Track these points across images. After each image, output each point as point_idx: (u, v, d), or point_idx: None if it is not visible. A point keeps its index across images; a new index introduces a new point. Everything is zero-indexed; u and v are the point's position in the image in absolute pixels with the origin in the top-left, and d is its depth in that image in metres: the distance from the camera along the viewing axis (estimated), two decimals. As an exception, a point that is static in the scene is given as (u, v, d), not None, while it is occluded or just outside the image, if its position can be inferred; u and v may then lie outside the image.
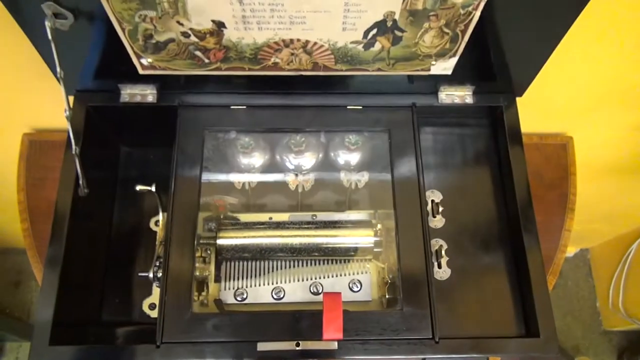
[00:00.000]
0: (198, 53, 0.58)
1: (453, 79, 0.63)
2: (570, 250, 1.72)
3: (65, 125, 0.58)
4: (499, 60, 0.60)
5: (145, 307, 0.66)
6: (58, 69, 0.54)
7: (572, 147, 0.89)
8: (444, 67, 0.61)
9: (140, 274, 0.65)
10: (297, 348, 0.54)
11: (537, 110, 0.85)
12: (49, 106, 0.82)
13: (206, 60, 0.59)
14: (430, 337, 0.55)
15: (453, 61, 0.60)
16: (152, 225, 0.71)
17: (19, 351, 1.62)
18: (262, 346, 0.54)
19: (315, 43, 0.57)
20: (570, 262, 1.72)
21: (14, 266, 1.70)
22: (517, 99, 0.68)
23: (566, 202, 0.85)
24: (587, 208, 1.23)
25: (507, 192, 0.66)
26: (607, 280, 1.58)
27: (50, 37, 0.52)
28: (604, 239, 1.61)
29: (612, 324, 1.61)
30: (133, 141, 0.74)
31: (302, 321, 0.56)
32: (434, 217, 0.65)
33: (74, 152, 0.58)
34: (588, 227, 1.50)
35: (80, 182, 0.60)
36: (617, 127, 0.93)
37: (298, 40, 0.56)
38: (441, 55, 0.59)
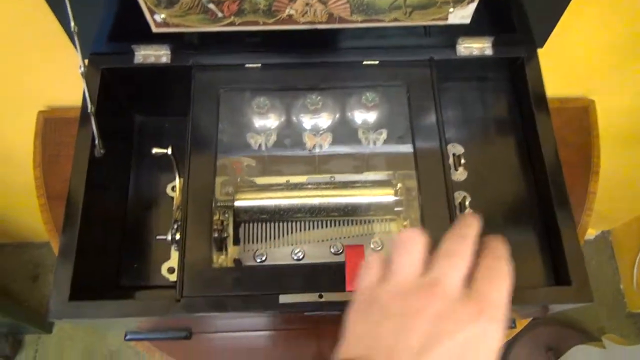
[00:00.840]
0: (211, 6, 0.57)
1: (471, 30, 0.62)
2: (592, 233, 1.69)
3: (79, 102, 0.58)
4: (519, 6, 0.58)
5: (164, 271, 0.65)
6: (72, 24, 0.53)
7: (594, 110, 0.87)
8: (462, 14, 0.59)
9: (158, 237, 0.64)
10: (321, 300, 0.53)
11: (556, 72, 0.83)
12: (64, 83, 0.82)
13: (220, 14, 0.58)
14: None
15: (472, 7, 0.58)
16: (168, 191, 0.70)
17: (38, 343, 1.62)
18: (284, 298, 0.52)
19: (330, -9, 0.56)
20: (592, 244, 1.69)
21: (32, 260, 1.71)
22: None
23: (590, 165, 0.83)
24: (608, 183, 1.20)
25: (531, 145, 0.64)
26: (630, 261, 1.54)
27: (63, -12, 0.51)
28: (626, 219, 1.58)
29: (636, 306, 1.57)
30: (148, 109, 0.74)
31: (324, 274, 0.54)
32: (456, 170, 0.63)
33: (89, 110, 0.57)
34: (609, 207, 1.47)
35: (96, 142, 0.59)
36: (640, 91, 0.91)
37: (313, -12, 0.55)
38: (459, 0, 0.57)
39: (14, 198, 1.25)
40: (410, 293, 0.37)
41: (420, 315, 0.35)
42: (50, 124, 0.88)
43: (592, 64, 0.83)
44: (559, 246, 0.55)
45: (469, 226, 0.40)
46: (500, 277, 0.38)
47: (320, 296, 0.53)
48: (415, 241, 0.39)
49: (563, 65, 0.82)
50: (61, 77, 0.80)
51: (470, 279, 0.38)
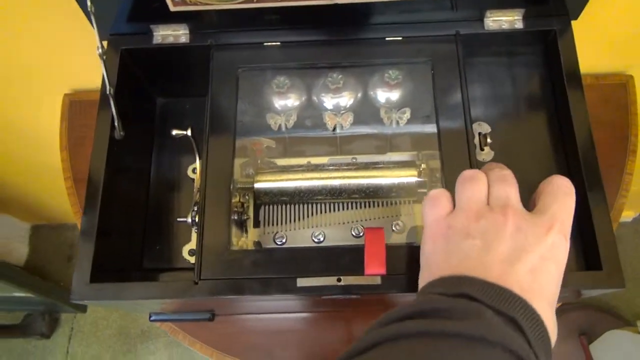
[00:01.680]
0: (228, -17, 0.56)
1: (500, 2, 0.59)
2: (629, 215, 1.63)
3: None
4: (551, -27, 0.55)
5: (185, 254, 0.66)
6: (89, 3, 0.53)
7: (633, 86, 0.82)
8: (490, -15, 0.56)
9: (179, 219, 0.64)
10: (339, 283, 0.52)
11: (592, 46, 0.79)
12: (89, 66, 0.82)
13: (237, -9, 0.57)
14: (481, 272, 0.51)
15: (500, -23, 0.55)
16: (189, 172, 0.70)
17: (73, 322, 1.68)
18: (302, 282, 0.52)
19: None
20: (629, 227, 1.63)
21: (66, 241, 1.76)
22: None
23: (627, 144, 0.79)
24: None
25: (563, 126, 0.61)
26: (670, 244, 1.48)
27: (78, -33, 0.51)
28: (667, 201, 1.51)
29: (676, 291, 1.51)
30: (168, 91, 0.73)
31: (343, 257, 0.53)
32: (482, 149, 0.61)
33: (108, 92, 0.57)
34: (648, 188, 1.41)
35: (116, 124, 0.59)
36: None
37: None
38: (487, -30, 0.54)
39: (45, 180, 1.28)
40: (485, 216, 0.41)
41: (501, 232, 0.39)
42: (76, 106, 0.89)
43: (631, 36, 0.78)
44: (590, 230, 0.53)
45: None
46: (564, 194, 0.43)
47: (339, 280, 0.52)
48: (478, 178, 0.43)
49: (599, 38, 0.78)
50: (86, 59, 0.80)
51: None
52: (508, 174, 0.45)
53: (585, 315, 1.47)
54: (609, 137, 0.79)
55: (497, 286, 0.36)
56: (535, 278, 0.38)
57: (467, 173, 0.45)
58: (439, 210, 0.44)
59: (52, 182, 1.24)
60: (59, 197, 1.44)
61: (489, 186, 0.43)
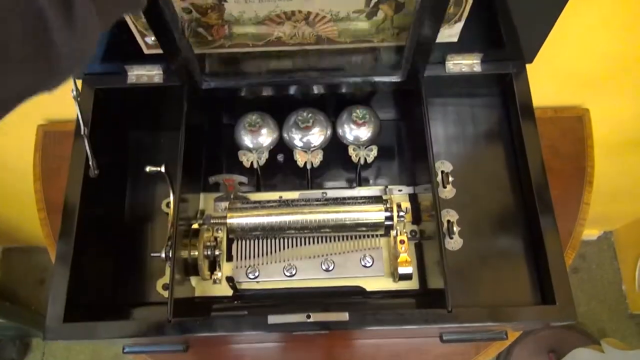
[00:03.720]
0: (201, 30, 0.58)
1: (459, 47, 0.62)
2: (594, 233, 1.69)
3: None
4: (506, 23, 0.59)
5: (159, 288, 0.67)
6: (63, 50, 0.54)
7: (589, 119, 0.87)
8: (450, 33, 0.60)
9: (152, 254, 0.65)
10: (309, 320, 0.54)
11: (551, 83, 0.83)
12: (63, 97, 0.82)
13: (209, 38, 0.59)
14: (444, 307, 0.54)
15: (458, 27, 0.59)
16: (163, 207, 0.71)
17: (45, 347, 1.65)
18: (273, 319, 0.53)
19: (317, 14, 0.56)
20: (594, 245, 1.69)
21: (39, 264, 1.73)
22: (531, 70, 0.66)
23: (584, 176, 0.83)
24: (608, 187, 1.20)
25: (519, 161, 0.65)
26: (632, 262, 1.54)
27: (54, 16, 0.52)
28: (628, 220, 1.57)
29: (638, 307, 1.57)
30: (143, 125, 0.75)
31: (312, 294, 0.55)
32: (445, 187, 0.64)
33: (82, 133, 0.58)
34: (611, 208, 1.46)
35: (91, 163, 0.61)
36: (636, 98, 0.91)
37: (299, 12, 0.56)
38: (445, 20, 0.58)
39: (17, 206, 1.27)
40: None
41: None
42: (50, 137, 0.89)
43: (585, 72, 0.82)
44: (544, 264, 0.56)
45: None
46: None
47: (308, 317, 0.54)
48: None
49: (557, 75, 0.82)
50: (60, 91, 0.81)
51: None
52: None
53: (553, 334, 1.51)
54: (567, 168, 0.83)
55: None
56: None
57: None
58: None
59: (24, 207, 1.23)
60: (31, 220, 1.42)
61: None
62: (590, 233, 1.69)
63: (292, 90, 0.66)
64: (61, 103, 0.86)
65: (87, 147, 0.59)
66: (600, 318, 1.59)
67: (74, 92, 0.57)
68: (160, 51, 0.61)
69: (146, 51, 0.61)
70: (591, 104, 0.88)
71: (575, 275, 1.64)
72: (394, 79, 0.63)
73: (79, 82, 0.66)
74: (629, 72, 0.82)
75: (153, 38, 0.59)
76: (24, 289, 1.71)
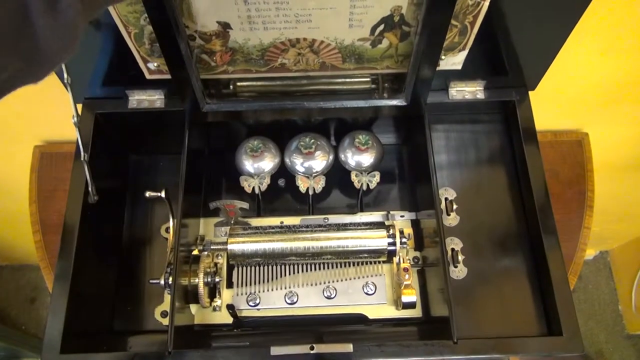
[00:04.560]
0: (204, 56, 0.58)
1: (463, 74, 0.62)
2: (590, 253, 1.69)
3: (76, 136, 0.58)
4: (510, 52, 0.59)
5: (157, 315, 0.65)
6: (65, 75, 0.54)
7: (588, 143, 0.87)
8: (454, 61, 0.60)
9: (151, 281, 0.64)
10: (312, 351, 0.53)
11: (550, 107, 0.83)
12: (60, 118, 0.83)
13: (213, 64, 0.59)
14: (449, 337, 0.53)
15: (462, 55, 0.59)
16: (162, 232, 0.70)
17: (35, 367, 1.61)
18: (276, 350, 0.52)
19: (322, 42, 0.56)
20: (591, 265, 1.69)
21: (30, 283, 1.71)
22: (530, 95, 0.66)
23: (584, 200, 0.83)
24: (606, 208, 1.20)
25: (523, 188, 0.65)
26: (629, 282, 1.54)
27: (56, 43, 0.51)
28: (624, 240, 1.58)
29: (635, 328, 1.56)
30: (143, 149, 0.74)
31: (315, 324, 0.54)
32: (448, 214, 0.64)
33: (82, 158, 0.57)
34: (607, 228, 1.47)
35: (90, 189, 0.60)
36: (634, 122, 0.91)
37: (304, 39, 0.55)
38: (450, 49, 0.58)
39: (10, 225, 1.26)
40: None
41: None
42: (47, 158, 0.88)
43: (584, 98, 0.83)
44: (550, 294, 0.55)
45: None
46: None
47: (312, 348, 0.53)
48: None
49: (557, 99, 0.82)
50: (57, 111, 0.81)
51: None
52: None
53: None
54: (567, 192, 0.83)
55: None
56: None
57: None
58: None
59: (18, 225, 1.21)
60: (24, 239, 1.40)
61: None
62: (587, 253, 1.68)
63: (294, 114, 0.65)
64: (58, 123, 0.86)
65: (87, 173, 0.58)
66: (597, 339, 1.59)
67: (75, 119, 0.56)
68: (162, 76, 0.61)
69: (148, 76, 0.61)
70: (590, 128, 0.88)
71: (572, 295, 1.63)
72: (397, 103, 0.62)
73: (79, 106, 0.65)
74: (626, 98, 0.83)
75: (156, 64, 0.59)
76: (14, 307, 1.68)
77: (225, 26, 0.53)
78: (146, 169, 0.75)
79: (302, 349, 0.53)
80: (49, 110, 0.83)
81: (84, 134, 0.63)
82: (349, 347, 0.53)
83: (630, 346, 1.58)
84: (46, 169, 0.87)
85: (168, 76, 0.60)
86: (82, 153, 0.57)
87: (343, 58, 0.58)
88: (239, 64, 0.59)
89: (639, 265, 1.46)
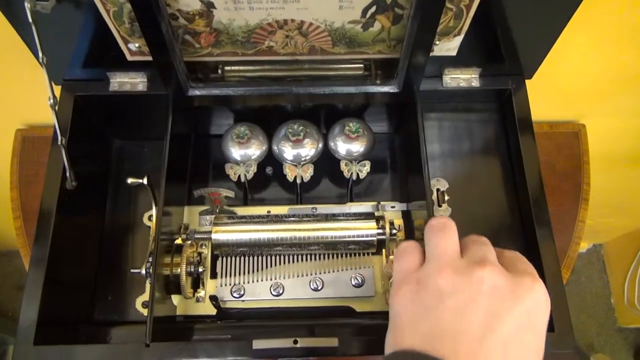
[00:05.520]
0: (188, 37, 0.55)
1: (458, 61, 0.60)
2: (584, 246, 1.68)
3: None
4: (507, 38, 0.57)
5: (138, 306, 0.63)
6: (40, 54, 0.51)
7: (585, 135, 0.85)
8: (448, 47, 0.57)
9: (132, 270, 0.62)
10: (296, 345, 0.51)
11: (547, 97, 0.81)
12: (43, 101, 0.79)
13: (197, 45, 0.56)
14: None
15: (458, 40, 0.56)
16: (145, 220, 0.68)
17: (22, 354, 1.60)
18: (258, 344, 0.51)
19: (310, 24, 0.53)
20: (584, 257, 1.68)
21: (17, 269, 1.68)
22: (527, 85, 0.64)
23: (580, 193, 0.82)
24: (600, 201, 1.19)
25: (517, 179, 0.63)
26: (621, 276, 1.53)
27: (30, 19, 0.49)
28: (618, 233, 1.57)
29: (627, 321, 1.56)
30: (126, 134, 0.72)
31: (300, 317, 0.53)
32: (440, 206, 0.62)
33: (60, 142, 0.55)
34: (601, 222, 1.46)
35: (68, 174, 0.57)
36: (631, 115, 0.89)
37: (292, 20, 0.53)
38: (445, 34, 0.55)
39: (-5, 211, 1.23)
40: (460, 273, 0.37)
41: (476, 294, 0.35)
42: (29, 142, 0.86)
43: (582, 89, 0.81)
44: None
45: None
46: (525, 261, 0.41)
47: (295, 342, 0.51)
48: (450, 226, 0.40)
49: (554, 90, 0.80)
50: (40, 94, 0.78)
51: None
52: (485, 239, 0.41)
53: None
54: (563, 185, 0.82)
55: None
56: (508, 354, 0.34)
57: (437, 222, 0.40)
58: (408, 264, 0.40)
59: (1, 212, 1.19)
60: (5, 224, 1.38)
61: (465, 246, 0.40)
62: (580, 246, 1.68)
63: (283, 100, 0.63)
64: (41, 106, 0.82)
65: (65, 158, 0.56)
66: (589, 332, 1.58)
67: (51, 100, 0.53)
68: (144, 58, 0.58)
69: (129, 58, 0.58)
70: (587, 119, 0.87)
71: (565, 287, 1.62)
72: (389, 90, 0.60)
73: (58, 88, 0.62)
74: (625, 89, 0.81)
75: (137, 44, 0.56)
76: (0, 294, 1.66)
77: (209, 5, 0.51)
78: (130, 155, 0.72)
79: (285, 342, 0.51)
80: (31, 93, 0.80)
81: (63, 117, 0.60)
82: (334, 342, 0.51)
83: (622, 339, 1.58)
84: (28, 153, 0.85)
85: (150, 58, 0.58)
86: (59, 136, 0.55)
87: (333, 41, 0.56)
88: (224, 45, 0.56)
89: (633, 258, 1.45)
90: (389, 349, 0.39)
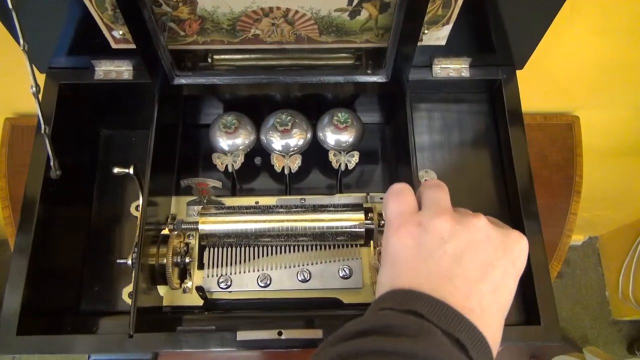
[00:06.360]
0: (172, 25, 0.54)
1: (448, 51, 0.59)
2: (579, 239, 1.68)
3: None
4: (497, 27, 0.56)
5: (125, 296, 0.63)
6: (21, 41, 0.50)
7: (578, 127, 0.85)
8: (437, 36, 0.57)
9: (118, 261, 0.62)
10: (280, 337, 0.50)
11: (541, 88, 0.80)
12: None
13: (182, 33, 0.55)
14: (423, 325, 0.51)
15: (447, 29, 0.55)
16: (133, 210, 0.68)
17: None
18: (242, 335, 0.50)
19: (296, 12, 0.53)
20: (579, 250, 1.68)
21: (8, 259, 1.68)
22: (521, 76, 0.63)
23: (572, 185, 0.81)
24: (595, 193, 1.18)
25: (506, 171, 0.62)
26: (616, 268, 1.53)
27: (10, 5, 0.48)
28: (613, 226, 1.57)
29: (621, 314, 1.56)
30: (114, 123, 0.71)
31: (285, 308, 0.52)
32: (428, 198, 0.61)
33: (43, 131, 0.54)
34: (596, 214, 1.45)
35: (52, 163, 0.57)
36: (626, 107, 0.89)
37: (278, 8, 0.52)
38: (433, 22, 0.54)
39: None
40: (458, 221, 0.39)
41: (475, 243, 0.38)
42: (18, 131, 0.85)
43: (575, 80, 0.80)
44: (529, 283, 0.53)
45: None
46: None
47: (280, 333, 0.51)
48: (443, 185, 0.42)
49: (547, 81, 0.79)
50: (29, 83, 0.77)
51: None
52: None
53: (535, 338, 1.51)
54: (555, 177, 0.81)
55: (446, 306, 0.36)
56: (496, 298, 0.38)
57: (432, 181, 0.44)
58: (405, 206, 0.41)
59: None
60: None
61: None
62: (576, 238, 1.68)
63: (271, 89, 0.62)
64: (30, 96, 0.82)
65: (48, 147, 0.55)
66: (583, 324, 1.59)
67: (33, 88, 0.53)
68: (129, 46, 0.58)
69: (114, 45, 0.58)
70: (581, 111, 0.86)
71: (559, 280, 1.63)
72: (377, 79, 0.59)
73: (42, 77, 0.62)
74: (620, 80, 0.80)
75: (121, 32, 0.55)
76: (-4, 283, 1.65)
77: (193, -8, 0.50)
78: (119, 144, 0.72)
79: (269, 334, 0.51)
80: (20, 82, 0.79)
81: (47, 105, 0.60)
82: (318, 333, 0.51)
83: (615, 332, 1.59)
84: (17, 142, 0.84)
85: (135, 46, 0.57)
86: (42, 125, 0.54)
87: (320, 30, 0.55)
88: (209, 34, 0.55)
89: (627, 251, 1.45)
90: (384, 287, 0.40)
